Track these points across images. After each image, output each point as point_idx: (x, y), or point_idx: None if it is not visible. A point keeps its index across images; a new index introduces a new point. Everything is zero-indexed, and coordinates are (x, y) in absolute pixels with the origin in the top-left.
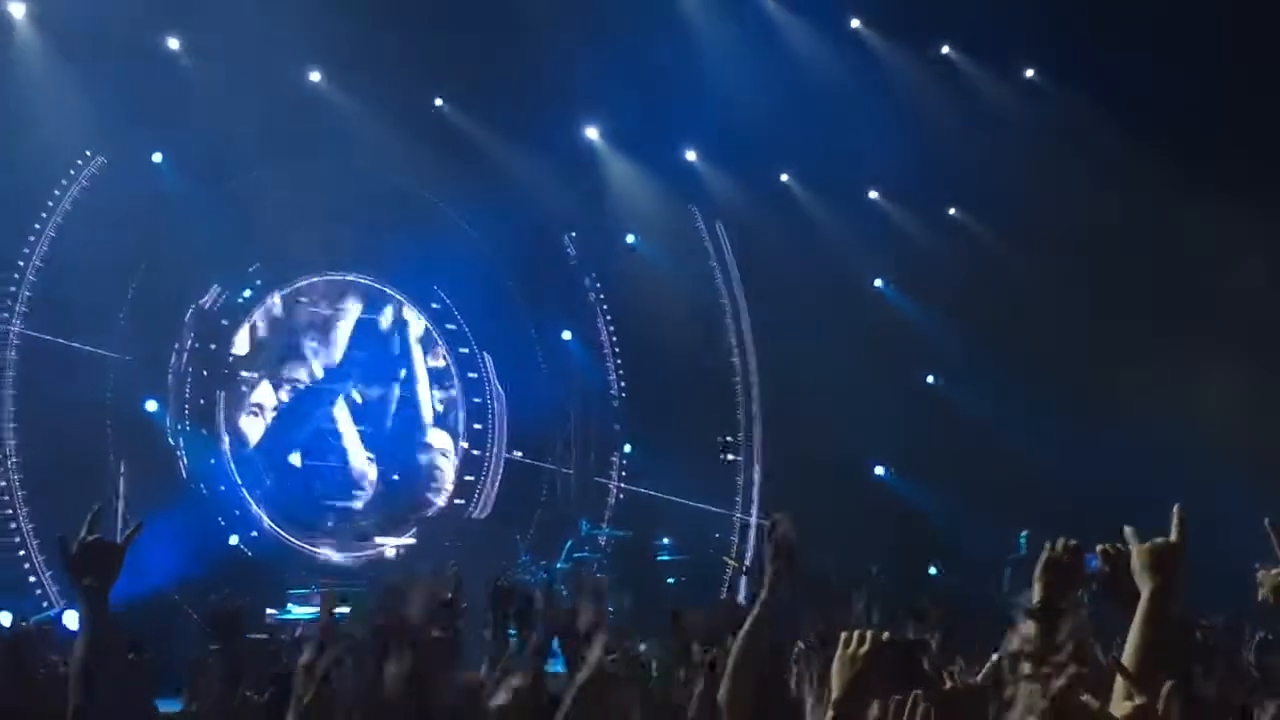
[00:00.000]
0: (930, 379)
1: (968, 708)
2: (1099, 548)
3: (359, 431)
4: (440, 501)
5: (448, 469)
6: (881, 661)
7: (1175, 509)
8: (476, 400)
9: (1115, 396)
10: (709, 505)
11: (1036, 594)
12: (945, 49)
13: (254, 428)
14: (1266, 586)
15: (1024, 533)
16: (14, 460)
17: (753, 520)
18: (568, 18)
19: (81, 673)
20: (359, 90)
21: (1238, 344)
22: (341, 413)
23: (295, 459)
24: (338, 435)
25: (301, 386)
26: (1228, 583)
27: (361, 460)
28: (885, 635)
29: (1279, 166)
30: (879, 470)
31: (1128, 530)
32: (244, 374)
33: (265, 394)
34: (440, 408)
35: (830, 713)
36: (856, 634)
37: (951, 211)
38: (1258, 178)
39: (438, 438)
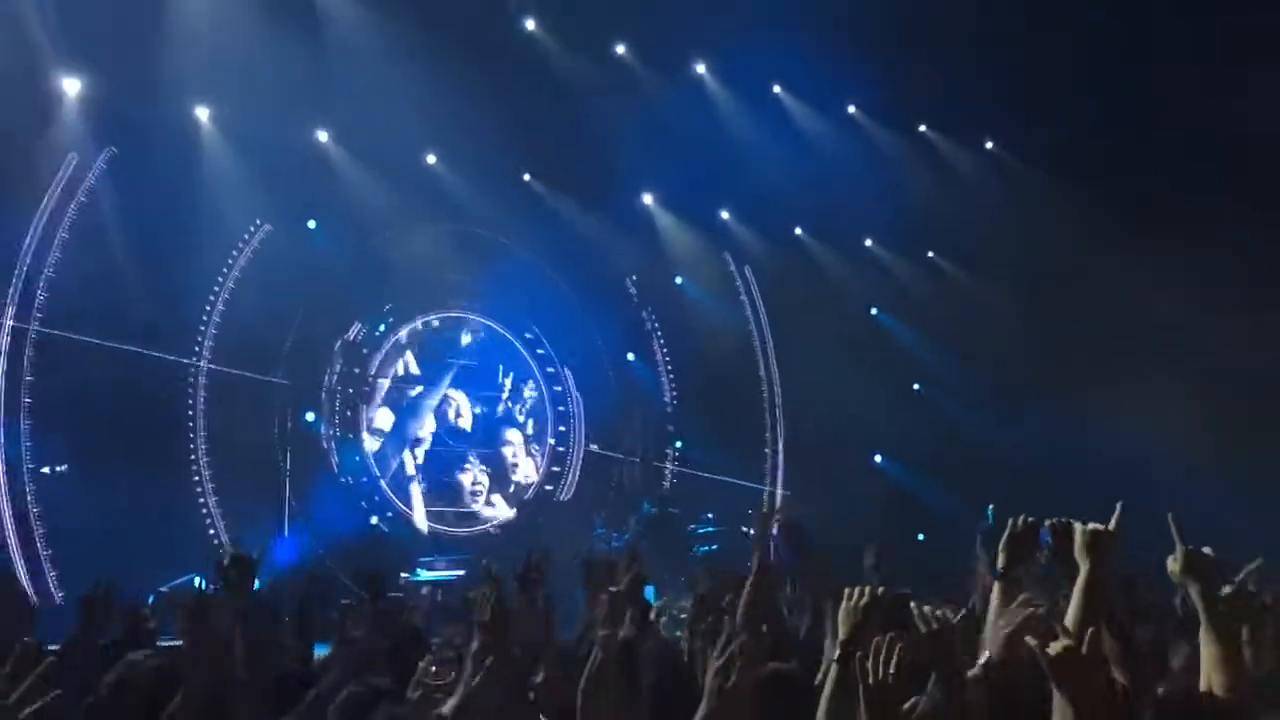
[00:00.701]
0: (916, 387)
1: (942, 644)
2: (1048, 523)
3: (469, 434)
4: (531, 487)
5: (529, 464)
6: (877, 610)
7: (1119, 506)
8: (560, 408)
9: (1062, 399)
10: (743, 482)
11: (1000, 561)
12: (922, 127)
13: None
14: (1178, 569)
15: (990, 506)
16: (205, 459)
17: (777, 500)
18: (628, 110)
19: (248, 645)
20: (465, 168)
21: (1162, 356)
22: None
23: (417, 456)
24: (457, 435)
25: (421, 401)
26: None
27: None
28: (880, 590)
29: (1188, 216)
30: (877, 459)
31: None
32: (379, 389)
33: (386, 413)
34: (526, 415)
35: (838, 651)
36: (857, 589)
37: (930, 254)
38: (1175, 226)
39: (528, 437)
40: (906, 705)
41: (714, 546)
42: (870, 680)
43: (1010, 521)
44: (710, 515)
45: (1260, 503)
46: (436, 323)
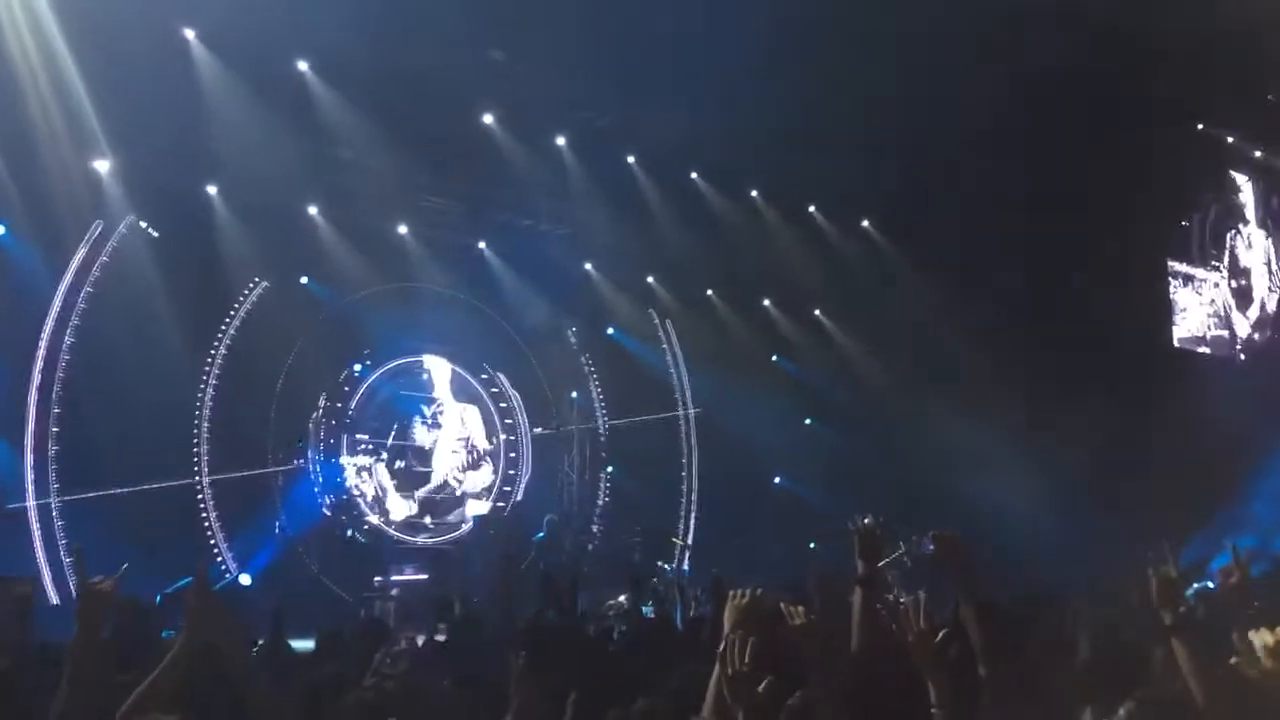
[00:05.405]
0: (808, 421)
1: (806, 636)
2: (932, 533)
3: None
4: (481, 501)
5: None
6: (755, 608)
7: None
8: (511, 439)
9: (924, 429)
10: (665, 504)
11: (860, 568)
12: (811, 208)
13: (362, 458)
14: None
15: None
16: (207, 477)
17: (692, 515)
18: (568, 192)
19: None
20: (429, 239)
21: (1001, 393)
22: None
23: (385, 476)
24: (419, 454)
25: (394, 427)
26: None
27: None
28: (759, 592)
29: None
30: (778, 480)
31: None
32: (359, 421)
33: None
34: (485, 439)
35: (724, 642)
36: (740, 591)
37: (816, 313)
38: (996, 289)
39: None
40: (791, 700)
41: (637, 556)
42: (729, 670)
43: (859, 529)
44: (638, 528)
45: (1068, 516)
46: (407, 364)
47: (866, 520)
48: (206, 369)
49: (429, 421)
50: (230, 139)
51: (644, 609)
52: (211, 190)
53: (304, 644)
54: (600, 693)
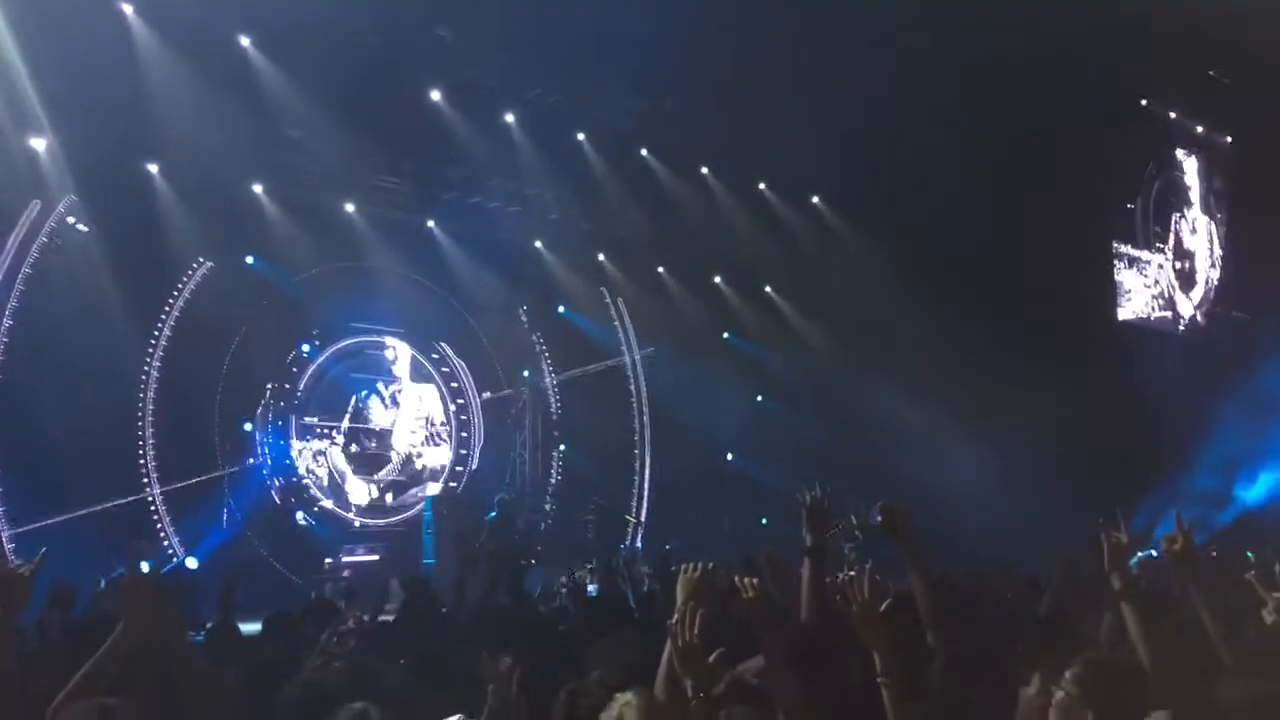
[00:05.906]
0: (760, 398)
1: (758, 608)
2: (880, 504)
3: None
4: (438, 482)
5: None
6: (706, 581)
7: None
8: (463, 418)
9: (874, 405)
10: (617, 482)
11: (808, 540)
12: (761, 185)
13: (316, 443)
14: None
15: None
16: (154, 463)
17: (646, 493)
18: (518, 170)
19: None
20: (376, 217)
21: (950, 370)
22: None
23: (341, 459)
24: (378, 436)
25: (345, 408)
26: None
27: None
28: (710, 565)
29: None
30: (729, 456)
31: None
32: (306, 403)
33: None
34: (437, 414)
35: (675, 614)
36: (691, 564)
37: (767, 289)
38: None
39: (438, 434)
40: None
41: (591, 534)
42: (680, 642)
43: (807, 501)
44: (593, 506)
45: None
46: (362, 344)
47: (814, 492)
48: (151, 349)
49: (387, 401)
50: (171, 116)
51: (591, 588)
52: (153, 169)
53: (253, 627)
54: (553, 670)
